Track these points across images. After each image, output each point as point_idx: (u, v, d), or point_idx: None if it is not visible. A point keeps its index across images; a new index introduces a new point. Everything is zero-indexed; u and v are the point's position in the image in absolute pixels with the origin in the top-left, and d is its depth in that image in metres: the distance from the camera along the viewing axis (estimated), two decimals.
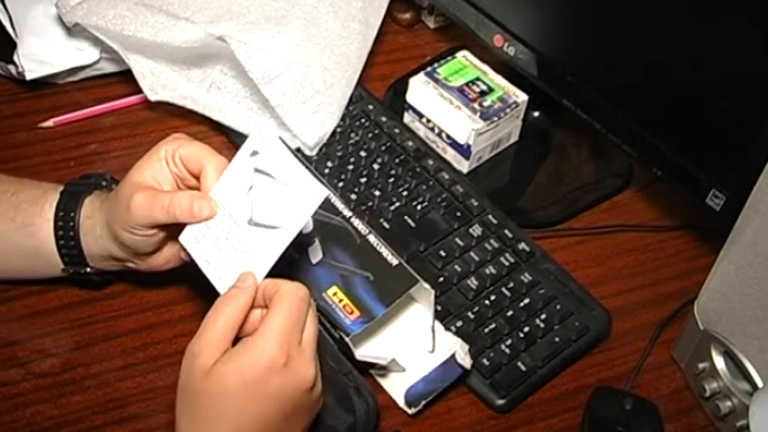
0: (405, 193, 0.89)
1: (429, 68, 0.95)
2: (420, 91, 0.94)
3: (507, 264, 0.84)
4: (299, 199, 0.64)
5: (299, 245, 0.68)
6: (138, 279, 0.82)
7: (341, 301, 0.73)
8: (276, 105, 0.89)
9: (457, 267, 0.83)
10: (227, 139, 0.95)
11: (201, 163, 0.69)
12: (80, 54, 0.96)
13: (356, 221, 0.77)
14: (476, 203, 0.88)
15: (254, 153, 0.66)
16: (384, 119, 0.95)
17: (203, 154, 0.69)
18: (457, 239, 0.85)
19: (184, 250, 0.70)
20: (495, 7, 0.93)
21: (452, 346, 0.75)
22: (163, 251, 0.73)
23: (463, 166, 0.93)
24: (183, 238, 0.69)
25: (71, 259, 0.75)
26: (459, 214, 0.87)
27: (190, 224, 0.69)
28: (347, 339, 0.72)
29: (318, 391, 0.63)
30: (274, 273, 0.65)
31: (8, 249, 0.75)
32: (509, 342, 0.79)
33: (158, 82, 0.94)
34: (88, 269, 0.76)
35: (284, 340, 0.60)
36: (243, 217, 0.66)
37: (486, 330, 0.79)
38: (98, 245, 0.74)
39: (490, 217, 0.87)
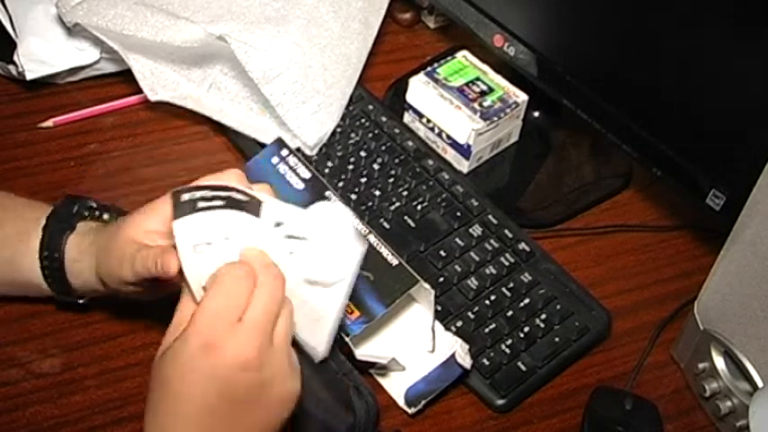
0: (405, 193, 0.89)
1: (429, 68, 0.95)
2: (420, 91, 0.94)
3: (507, 264, 0.84)
4: (342, 254, 0.62)
5: None
6: None
7: None
8: (276, 105, 0.89)
9: (457, 267, 0.83)
10: (228, 140, 0.95)
11: None
12: (80, 54, 0.96)
13: (356, 221, 0.77)
14: (476, 203, 0.88)
15: (278, 224, 0.63)
16: (384, 119, 0.95)
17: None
18: (457, 239, 0.85)
19: None
20: (495, 7, 0.93)
21: (452, 346, 0.75)
22: (151, 290, 0.72)
23: (463, 166, 0.93)
24: None
25: (61, 293, 0.75)
26: (459, 214, 0.87)
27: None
28: (347, 340, 0.72)
29: (269, 375, 0.60)
30: None
31: None
32: (509, 342, 0.79)
33: (158, 82, 0.94)
34: (79, 301, 0.76)
35: (211, 322, 0.58)
36: (295, 279, 0.64)
37: (486, 330, 0.79)
38: (87, 286, 0.73)
39: (490, 217, 0.87)
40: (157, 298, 0.72)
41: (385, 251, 0.75)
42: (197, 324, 0.58)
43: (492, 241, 0.86)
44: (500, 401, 0.77)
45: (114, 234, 0.69)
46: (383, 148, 0.93)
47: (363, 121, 0.95)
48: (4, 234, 0.74)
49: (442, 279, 0.82)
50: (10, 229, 0.75)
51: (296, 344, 0.66)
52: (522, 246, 0.85)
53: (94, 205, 0.76)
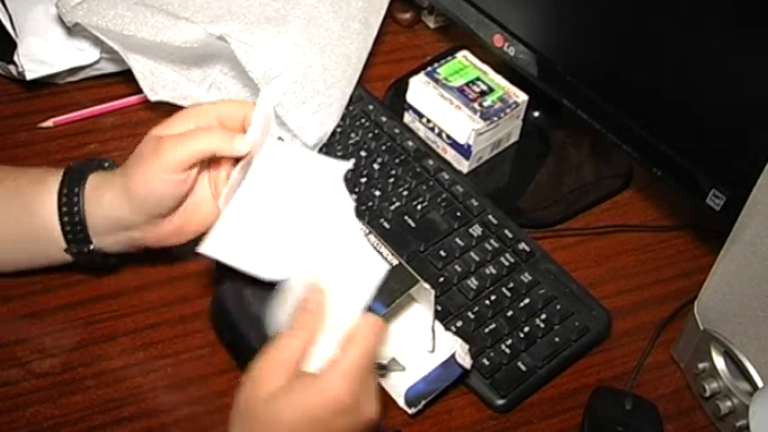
0: (405, 193, 0.89)
1: (429, 68, 0.95)
2: (420, 91, 0.94)
3: (507, 264, 0.84)
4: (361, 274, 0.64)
5: None
6: (138, 279, 0.82)
7: None
8: (276, 105, 0.89)
9: (457, 267, 0.83)
10: None
11: (244, 113, 0.73)
12: (80, 54, 0.96)
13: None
14: (476, 203, 0.88)
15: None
16: (384, 119, 0.95)
17: (241, 110, 0.73)
18: (457, 239, 0.85)
19: None
20: (495, 7, 0.93)
21: (452, 346, 0.75)
22: (173, 217, 0.74)
23: (463, 166, 0.93)
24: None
25: (74, 236, 0.74)
26: (459, 214, 0.87)
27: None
28: None
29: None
30: None
31: (9, 233, 0.75)
32: (509, 342, 0.79)
33: (158, 82, 0.94)
34: (91, 246, 0.75)
35: (355, 381, 0.60)
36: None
37: (486, 330, 0.79)
38: (106, 215, 0.73)
39: (490, 217, 0.87)
40: (163, 245, 0.76)
41: (385, 251, 0.75)
42: (340, 383, 0.59)
43: (492, 241, 0.86)
44: (500, 401, 0.77)
45: (143, 142, 0.73)
46: (383, 148, 0.93)
47: (363, 121, 0.95)
48: (19, 184, 0.75)
49: (442, 279, 0.82)
50: (27, 178, 0.76)
51: None
52: (522, 246, 0.85)
53: (113, 162, 0.78)
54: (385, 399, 0.76)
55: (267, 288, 0.76)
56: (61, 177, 0.75)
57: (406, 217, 0.87)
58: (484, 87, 0.94)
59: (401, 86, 0.98)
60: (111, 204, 0.73)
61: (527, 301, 0.82)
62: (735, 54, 0.74)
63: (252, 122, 0.72)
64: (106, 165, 0.78)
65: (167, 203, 0.73)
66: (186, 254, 0.85)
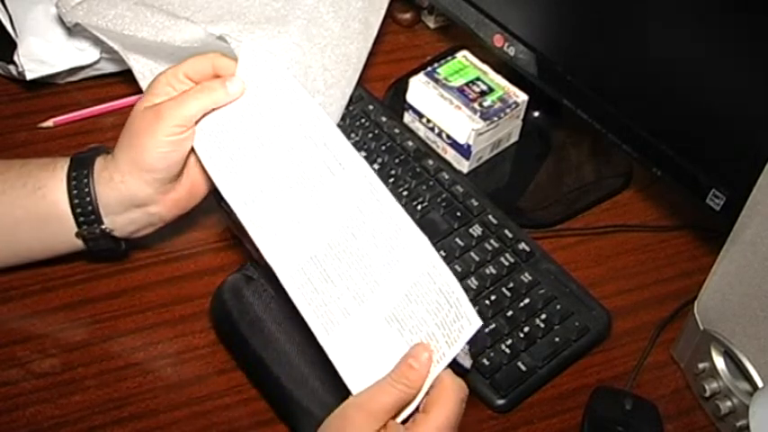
0: (405, 193, 0.89)
1: (429, 68, 0.95)
2: (420, 91, 0.94)
3: (507, 264, 0.84)
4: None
5: None
6: (138, 279, 0.82)
7: None
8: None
9: (457, 267, 0.83)
10: None
11: (212, 66, 0.74)
12: (80, 54, 0.96)
13: None
14: (476, 203, 0.88)
15: None
16: (384, 119, 0.95)
17: (207, 62, 0.75)
18: (457, 239, 0.85)
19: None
20: (495, 7, 0.93)
21: None
22: (182, 179, 0.75)
23: (463, 166, 0.93)
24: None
25: (85, 218, 0.75)
26: (459, 214, 0.87)
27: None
28: None
29: None
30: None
31: (19, 218, 0.75)
32: (509, 342, 0.79)
33: None
34: (103, 226, 0.75)
35: None
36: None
37: (486, 330, 0.79)
38: (118, 191, 0.74)
39: (490, 217, 0.87)
40: (180, 212, 0.78)
41: None
42: None
43: (492, 241, 0.86)
44: (500, 401, 0.77)
45: (132, 117, 0.74)
46: (383, 148, 0.93)
47: (363, 121, 0.95)
48: (28, 169, 0.76)
49: None
50: (35, 165, 0.77)
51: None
52: (522, 246, 0.85)
53: (113, 149, 0.79)
54: None
55: (267, 290, 0.76)
56: (69, 162, 0.76)
57: None
58: (484, 87, 0.94)
59: (401, 86, 0.98)
60: (122, 184, 0.74)
61: (527, 301, 0.82)
62: (735, 54, 0.74)
63: (239, 64, 0.74)
64: (110, 152, 0.78)
65: (176, 167, 0.74)
66: (186, 254, 0.85)
